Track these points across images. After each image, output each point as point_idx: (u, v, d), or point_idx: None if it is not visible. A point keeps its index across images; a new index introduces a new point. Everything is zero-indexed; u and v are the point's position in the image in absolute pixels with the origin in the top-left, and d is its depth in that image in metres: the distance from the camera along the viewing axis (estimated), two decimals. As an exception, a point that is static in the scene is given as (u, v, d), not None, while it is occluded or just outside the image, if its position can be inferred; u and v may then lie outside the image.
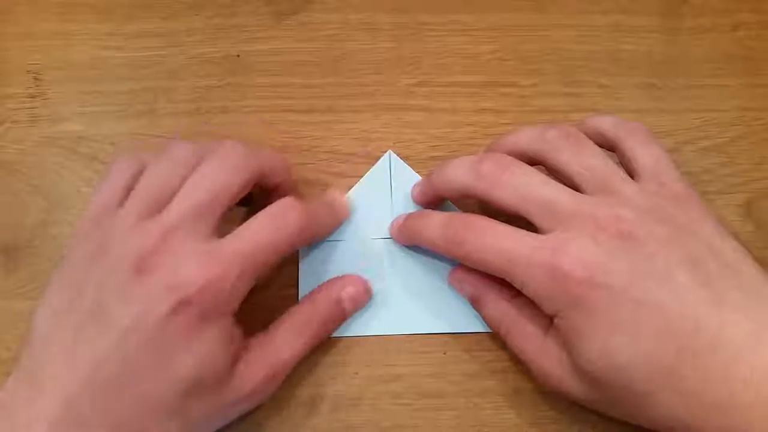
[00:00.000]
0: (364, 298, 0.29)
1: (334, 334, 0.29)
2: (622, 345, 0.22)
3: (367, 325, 0.29)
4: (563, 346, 0.24)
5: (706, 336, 0.21)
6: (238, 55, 0.34)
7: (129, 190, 0.25)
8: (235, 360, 0.24)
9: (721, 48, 0.34)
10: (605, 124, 0.27)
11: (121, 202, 0.25)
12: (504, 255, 0.24)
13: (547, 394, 0.28)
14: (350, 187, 0.31)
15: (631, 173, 0.26)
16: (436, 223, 0.26)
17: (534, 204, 0.24)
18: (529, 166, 0.25)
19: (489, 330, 0.28)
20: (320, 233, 0.29)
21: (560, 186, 0.24)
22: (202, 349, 0.23)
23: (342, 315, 0.28)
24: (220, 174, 0.25)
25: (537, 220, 0.24)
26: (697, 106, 0.33)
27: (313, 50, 0.34)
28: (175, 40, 0.34)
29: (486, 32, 0.34)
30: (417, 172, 0.31)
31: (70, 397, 0.21)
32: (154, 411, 0.22)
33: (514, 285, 0.24)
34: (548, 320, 0.25)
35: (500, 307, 0.27)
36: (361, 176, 0.31)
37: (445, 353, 0.29)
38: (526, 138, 0.27)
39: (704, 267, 0.22)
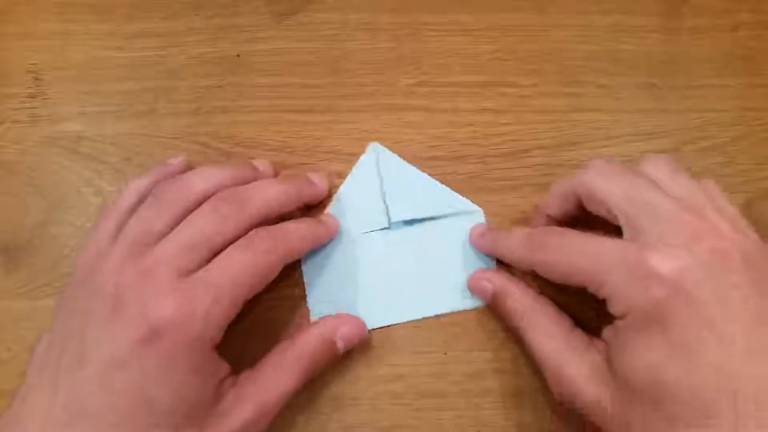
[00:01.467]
0: (357, 339, 0.28)
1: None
2: (676, 363, 0.21)
3: (371, 318, 0.29)
4: (614, 347, 0.23)
5: (757, 383, 0.20)
6: (238, 55, 0.34)
7: (120, 229, 0.26)
8: (220, 395, 0.24)
9: (721, 48, 0.34)
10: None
11: (114, 239, 0.25)
12: (588, 254, 0.24)
13: (548, 393, 0.28)
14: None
15: None
16: (518, 233, 0.27)
17: (637, 203, 0.24)
18: (640, 172, 0.25)
19: (482, 304, 0.29)
20: (299, 254, 0.28)
21: (665, 193, 0.24)
22: (177, 381, 0.22)
23: (334, 354, 0.27)
24: (211, 223, 0.25)
25: (633, 220, 0.24)
26: (697, 106, 0.33)
27: (313, 50, 0.34)
28: (175, 40, 0.34)
29: (486, 32, 0.34)
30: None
31: (52, 410, 0.22)
32: None
33: (590, 287, 0.24)
34: (570, 323, 0.25)
35: (526, 300, 0.27)
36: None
37: (445, 353, 0.29)
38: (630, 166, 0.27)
39: None
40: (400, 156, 0.32)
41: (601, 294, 0.23)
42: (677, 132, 0.32)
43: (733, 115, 0.33)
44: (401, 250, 0.30)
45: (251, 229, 0.26)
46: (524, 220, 0.31)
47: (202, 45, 0.34)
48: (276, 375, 0.25)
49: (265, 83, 0.33)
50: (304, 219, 0.29)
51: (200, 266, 0.24)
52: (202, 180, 0.27)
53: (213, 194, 0.26)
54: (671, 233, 0.23)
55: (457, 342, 0.29)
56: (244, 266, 0.24)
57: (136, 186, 0.27)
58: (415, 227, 0.30)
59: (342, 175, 0.31)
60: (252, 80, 0.33)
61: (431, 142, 0.32)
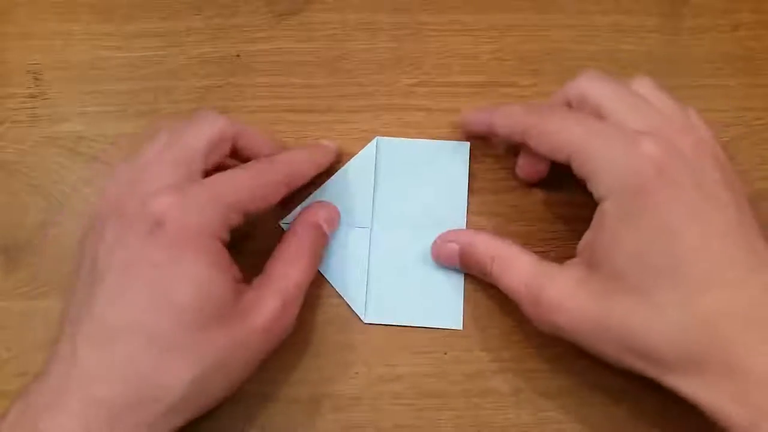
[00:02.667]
0: (336, 220, 0.29)
1: (334, 334, 0.29)
2: (662, 245, 0.22)
3: (375, 313, 0.29)
4: (598, 233, 0.24)
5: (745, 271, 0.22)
6: (238, 55, 0.34)
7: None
8: (239, 293, 0.24)
9: (721, 48, 0.34)
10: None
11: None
12: (583, 126, 0.24)
13: (548, 393, 0.28)
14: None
15: None
16: (516, 108, 0.27)
17: (627, 103, 0.25)
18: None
19: (453, 327, 0.29)
20: (302, 178, 0.28)
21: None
22: (192, 273, 0.22)
23: (325, 238, 0.29)
24: (202, 128, 0.25)
25: (624, 116, 0.25)
26: (697, 106, 0.32)
27: (313, 50, 0.34)
28: (175, 40, 0.34)
29: (486, 32, 0.34)
30: (417, 172, 0.31)
31: (79, 352, 0.22)
32: (162, 351, 0.22)
33: (578, 160, 0.24)
34: (538, 256, 0.26)
35: (492, 245, 0.27)
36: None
37: (445, 353, 0.29)
38: (562, 91, 0.28)
39: (743, 206, 0.24)
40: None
41: (588, 169, 0.24)
42: (677, 132, 0.32)
43: (732, 115, 0.33)
44: (382, 253, 0.30)
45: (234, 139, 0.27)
46: (525, 220, 0.31)
47: (202, 45, 0.34)
48: (286, 269, 0.26)
49: (265, 83, 0.33)
50: (302, 147, 0.30)
51: (197, 172, 0.25)
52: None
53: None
54: (659, 127, 0.24)
55: (457, 342, 0.29)
56: (243, 178, 0.25)
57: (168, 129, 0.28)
58: (398, 233, 0.30)
59: (342, 175, 0.31)
60: (252, 80, 0.33)
61: (431, 142, 0.32)
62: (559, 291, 0.24)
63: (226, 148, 0.26)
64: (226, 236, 0.24)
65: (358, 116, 0.33)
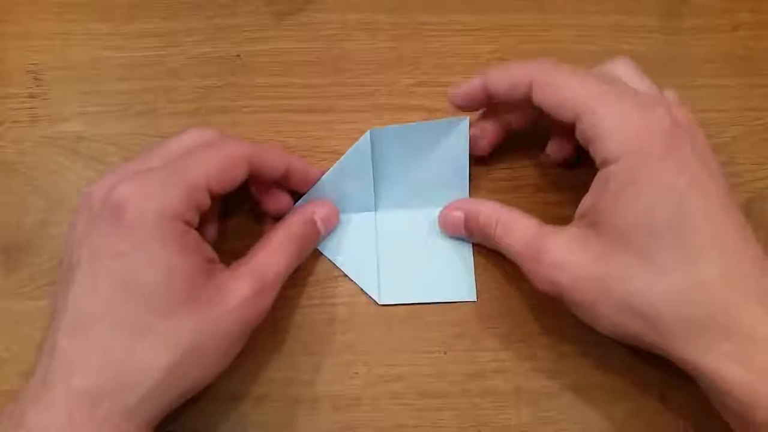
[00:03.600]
0: (334, 220, 0.29)
1: (334, 334, 0.29)
2: (666, 209, 0.22)
3: (389, 294, 0.29)
4: (600, 199, 0.24)
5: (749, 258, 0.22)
6: (238, 55, 0.34)
7: None
8: (211, 273, 0.24)
9: (721, 48, 0.34)
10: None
11: None
12: (596, 86, 0.24)
13: (548, 393, 0.28)
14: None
15: None
16: (514, 62, 0.27)
17: (602, 82, 0.25)
18: None
19: (468, 299, 0.29)
20: (270, 169, 0.27)
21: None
22: (158, 257, 0.22)
23: (317, 234, 0.29)
24: (202, 147, 0.25)
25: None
26: (697, 106, 0.33)
27: (313, 50, 0.34)
28: (175, 40, 0.34)
29: (486, 32, 0.34)
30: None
31: (58, 344, 0.22)
32: (135, 337, 0.22)
33: (584, 122, 0.24)
34: (539, 220, 0.26)
35: (496, 211, 0.27)
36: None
37: (445, 353, 0.29)
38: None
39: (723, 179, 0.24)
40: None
41: (598, 131, 0.24)
42: (677, 132, 0.32)
43: (733, 115, 0.33)
44: (390, 235, 0.30)
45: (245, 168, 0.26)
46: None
47: (202, 45, 0.34)
48: (268, 255, 0.26)
49: (265, 83, 0.33)
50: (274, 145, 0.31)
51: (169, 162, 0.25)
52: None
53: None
54: (653, 101, 0.24)
55: (457, 342, 0.29)
56: (203, 155, 0.25)
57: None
58: (403, 213, 0.30)
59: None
60: (252, 80, 0.33)
61: (431, 142, 0.32)
62: (561, 249, 0.24)
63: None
64: (193, 217, 0.24)
65: (358, 116, 0.33)
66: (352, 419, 0.28)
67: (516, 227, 0.27)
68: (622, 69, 0.26)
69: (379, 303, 0.29)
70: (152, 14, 0.34)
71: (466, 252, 0.30)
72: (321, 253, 0.30)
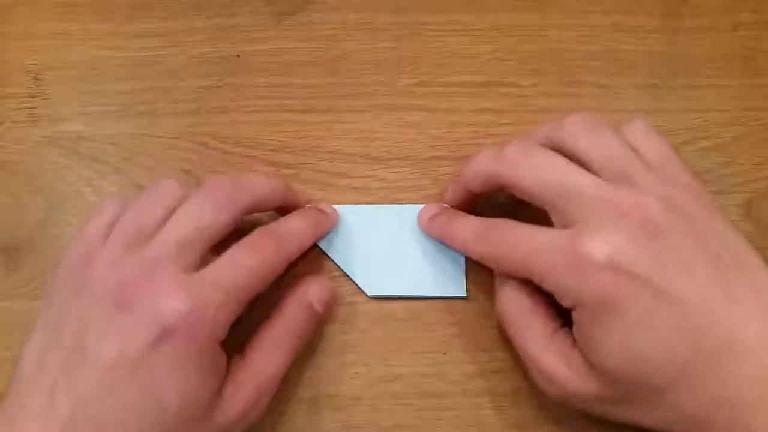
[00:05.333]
0: (328, 296, 0.28)
1: (335, 334, 0.29)
2: (640, 339, 0.21)
3: (378, 287, 0.30)
4: (581, 340, 0.23)
5: (721, 334, 0.21)
6: (238, 55, 0.34)
7: (112, 227, 0.25)
8: (221, 387, 0.24)
9: (721, 48, 0.34)
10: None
11: (105, 238, 0.25)
12: (525, 248, 0.24)
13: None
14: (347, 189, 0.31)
15: None
16: (467, 227, 0.27)
17: (555, 189, 0.24)
18: (553, 152, 0.25)
19: (457, 295, 0.29)
20: (302, 251, 0.28)
21: (582, 171, 0.24)
22: (188, 381, 0.22)
23: (315, 317, 0.27)
24: (206, 210, 0.25)
25: (558, 208, 0.24)
26: (697, 106, 0.33)
27: (313, 50, 0.34)
28: (175, 40, 0.34)
29: (486, 32, 0.34)
30: (416, 172, 0.32)
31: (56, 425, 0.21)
32: None
33: (534, 280, 0.24)
34: (559, 322, 0.25)
35: (518, 294, 0.26)
36: (362, 177, 0.31)
37: (445, 353, 0.29)
38: (548, 128, 0.26)
39: (720, 263, 0.22)
40: (400, 156, 0.32)
41: (547, 289, 0.23)
42: (677, 132, 0.32)
43: (733, 115, 0.33)
44: (382, 227, 0.30)
45: (242, 215, 0.26)
46: (525, 220, 0.31)
47: (202, 45, 0.34)
48: (267, 355, 0.25)
49: (265, 83, 0.33)
50: (306, 212, 0.29)
51: (202, 258, 0.24)
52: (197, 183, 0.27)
53: None
54: (596, 215, 0.23)
55: (457, 342, 0.29)
56: (250, 269, 0.24)
57: (121, 196, 0.27)
58: (396, 206, 0.31)
59: (343, 176, 0.31)
60: (252, 80, 0.33)
61: (431, 142, 0.32)
62: (570, 374, 0.24)
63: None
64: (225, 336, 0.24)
65: (358, 116, 0.33)
66: (352, 419, 0.28)
67: (530, 331, 0.25)
68: (572, 139, 0.25)
69: (368, 295, 0.29)
70: (152, 14, 0.34)
71: None
72: (322, 254, 0.30)
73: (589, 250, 0.22)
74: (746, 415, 0.20)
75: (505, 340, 0.29)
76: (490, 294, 0.29)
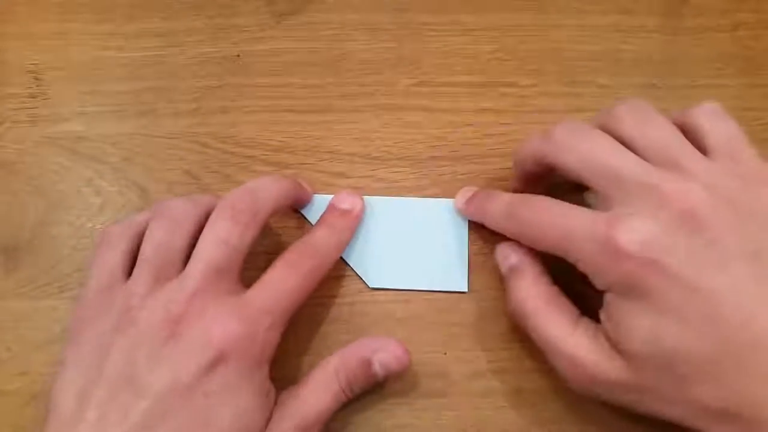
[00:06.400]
0: (396, 366, 0.26)
1: (336, 334, 0.29)
2: (670, 327, 0.21)
3: (379, 279, 0.30)
4: (610, 322, 0.23)
5: (753, 332, 0.20)
6: (238, 55, 0.34)
7: (129, 256, 0.25)
8: (269, 414, 0.24)
9: (721, 48, 0.34)
10: (675, 112, 0.26)
11: (125, 270, 0.25)
12: (560, 229, 0.24)
13: (548, 393, 0.28)
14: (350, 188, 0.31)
15: (702, 151, 0.24)
16: (500, 202, 0.27)
17: (599, 171, 0.23)
18: (602, 133, 0.24)
19: (459, 290, 0.29)
20: (335, 260, 0.28)
21: (630, 155, 0.23)
22: (240, 404, 0.22)
23: (372, 376, 0.26)
24: (233, 230, 0.25)
25: (600, 189, 0.23)
26: (697, 106, 0.33)
27: (313, 50, 0.34)
28: (175, 40, 0.34)
29: (486, 32, 0.34)
30: (416, 172, 0.31)
31: None
32: None
33: (569, 260, 0.24)
34: (578, 312, 0.25)
35: (537, 286, 0.26)
36: (362, 177, 0.31)
37: (445, 353, 0.29)
38: (599, 115, 0.26)
39: (762, 261, 0.21)
40: (399, 156, 0.32)
41: (580, 269, 0.23)
42: (677, 132, 0.32)
43: (733, 115, 0.32)
44: (385, 220, 0.30)
45: (265, 224, 0.26)
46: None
47: (202, 45, 0.34)
48: (315, 393, 0.25)
49: (265, 83, 0.33)
50: (334, 223, 0.29)
51: (239, 275, 0.25)
52: (200, 196, 0.27)
53: (215, 204, 0.26)
54: (636, 201, 0.22)
55: (457, 342, 0.29)
56: (293, 289, 0.25)
57: (131, 220, 0.27)
58: (401, 199, 0.31)
59: (343, 176, 0.31)
60: (252, 80, 0.33)
61: (431, 142, 0.32)
62: (593, 358, 0.23)
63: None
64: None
65: (358, 116, 0.33)
66: (353, 419, 0.28)
67: (551, 319, 0.25)
68: (621, 124, 0.25)
69: (369, 286, 0.29)
70: (152, 14, 0.34)
71: (461, 242, 0.30)
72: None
73: (622, 236, 0.21)
74: None
75: (506, 340, 0.29)
76: (491, 294, 0.29)
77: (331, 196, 0.30)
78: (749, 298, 0.21)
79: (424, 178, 0.31)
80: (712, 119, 0.24)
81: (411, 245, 0.30)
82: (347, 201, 0.30)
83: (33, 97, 0.33)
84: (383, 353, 0.26)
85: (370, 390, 0.28)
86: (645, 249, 0.21)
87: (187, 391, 0.22)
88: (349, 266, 0.30)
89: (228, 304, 0.23)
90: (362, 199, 0.30)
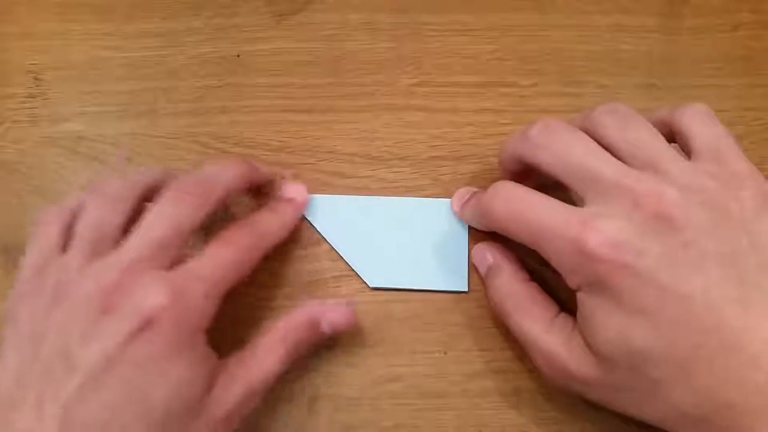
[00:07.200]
0: (344, 326, 0.27)
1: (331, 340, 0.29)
2: (640, 329, 0.21)
3: (380, 278, 0.30)
4: (581, 322, 0.23)
5: (726, 336, 0.20)
6: (238, 55, 0.34)
7: (65, 234, 0.25)
8: (212, 384, 0.23)
9: (721, 48, 0.34)
10: (663, 110, 0.26)
11: (61, 247, 0.24)
12: (534, 224, 0.23)
13: (548, 393, 0.28)
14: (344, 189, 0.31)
15: (688, 153, 0.24)
16: (476, 200, 0.27)
17: (574, 171, 0.23)
18: (580, 133, 0.24)
19: (459, 290, 0.29)
20: (275, 245, 0.28)
21: (607, 156, 0.23)
22: (175, 374, 0.22)
23: (319, 336, 0.27)
24: (182, 210, 0.24)
25: (576, 188, 0.23)
26: (697, 106, 0.33)
27: (313, 50, 0.34)
28: (175, 40, 0.34)
29: (486, 32, 0.34)
30: (416, 172, 0.31)
31: None
32: None
33: (542, 255, 0.24)
34: (557, 308, 0.25)
35: (514, 284, 0.27)
36: (362, 177, 0.31)
37: (445, 353, 0.29)
38: (579, 117, 0.26)
39: (741, 263, 0.21)
40: (399, 156, 0.32)
41: (553, 265, 0.23)
42: (677, 132, 0.32)
43: (733, 115, 0.33)
44: (385, 219, 0.30)
45: (216, 208, 0.26)
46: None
47: (202, 45, 0.34)
48: (262, 356, 0.25)
49: (265, 83, 0.33)
50: (276, 206, 0.29)
51: (178, 256, 0.24)
52: (139, 173, 0.27)
53: (155, 185, 0.26)
54: (611, 201, 0.22)
55: (457, 342, 0.29)
56: (230, 262, 0.25)
57: (59, 204, 0.26)
58: (401, 198, 0.31)
59: (342, 176, 0.31)
60: (252, 80, 0.33)
61: (431, 142, 0.32)
62: (570, 357, 0.24)
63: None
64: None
65: (358, 116, 0.33)
66: (352, 419, 0.28)
67: (529, 315, 0.26)
68: (602, 127, 0.24)
69: (370, 286, 0.29)
70: (152, 14, 0.34)
71: (461, 242, 0.30)
72: (322, 254, 0.30)
73: (594, 243, 0.21)
74: (751, 421, 0.20)
75: (506, 340, 0.29)
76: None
77: (331, 196, 0.30)
78: (723, 300, 0.21)
79: (424, 178, 0.31)
80: (699, 121, 0.24)
81: (411, 245, 0.30)
82: (291, 190, 0.30)
83: (33, 97, 0.33)
84: (331, 313, 0.27)
85: (371, 390, 0.28)
86: (615, 251, 0.21)
87: (115, 363, 0.21)
88: (349, 266, 0.30)
89: (162, 275, 0.23)
90: (306, 190, 0.30)
